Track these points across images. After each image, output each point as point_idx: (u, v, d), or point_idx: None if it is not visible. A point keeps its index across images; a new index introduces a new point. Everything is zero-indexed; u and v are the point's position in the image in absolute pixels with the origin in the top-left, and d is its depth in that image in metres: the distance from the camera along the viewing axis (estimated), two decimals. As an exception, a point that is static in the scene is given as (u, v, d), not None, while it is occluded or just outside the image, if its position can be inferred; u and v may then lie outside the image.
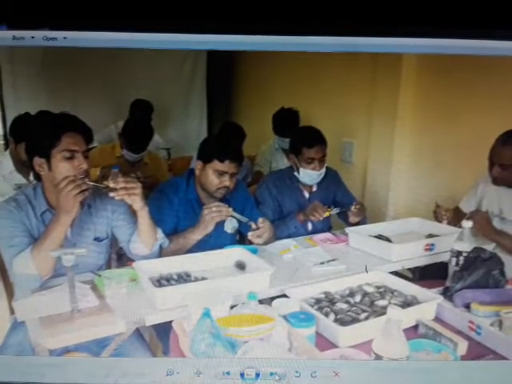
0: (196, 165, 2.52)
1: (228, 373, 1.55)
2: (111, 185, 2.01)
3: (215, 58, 5.12)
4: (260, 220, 2.42)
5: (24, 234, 2.02)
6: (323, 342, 1.73)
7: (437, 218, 2.70)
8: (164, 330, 1.84)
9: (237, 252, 2.31)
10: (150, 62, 4.40)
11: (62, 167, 1.98)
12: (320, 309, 1.87)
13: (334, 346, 1.70)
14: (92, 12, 1.72)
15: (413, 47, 1.82)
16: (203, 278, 2.07)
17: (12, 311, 2.08)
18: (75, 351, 1.77)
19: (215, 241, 2.46)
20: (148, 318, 1.84)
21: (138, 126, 3.62)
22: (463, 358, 1.64)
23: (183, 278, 2.07)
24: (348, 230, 2.68)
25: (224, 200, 2.51)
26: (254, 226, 2.40)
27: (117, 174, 2.11)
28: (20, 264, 1.95)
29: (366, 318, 1.82)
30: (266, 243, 2.50)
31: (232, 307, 1.78)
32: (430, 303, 1.88)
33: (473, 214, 2.46)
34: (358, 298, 1.97)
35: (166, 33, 1.75)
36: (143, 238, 2.18)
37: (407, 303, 1.92)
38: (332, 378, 1.56)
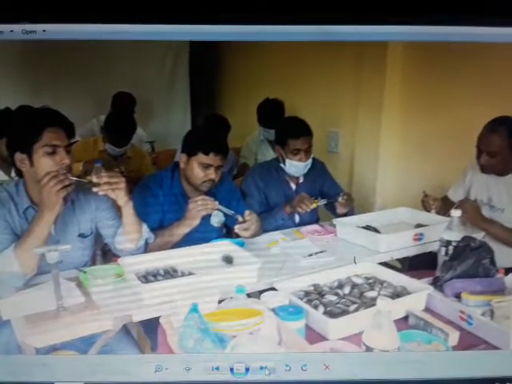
0: (180, 158, 2.50)
1: (217, 368, 1.55)
2: (94, 180, 1.99)
3: (198, 49, 5.08)
4: (246, 213, 2.40)
5: (7, 231, 1.99)
6: (313, 335, 1.72)
7: (425, 207, 2.70)
8: (152, 326, 1.82)
9: (224, 246, 2.29)
10: (131, 54, 4.35)
11: (44, 163, 1.95)
12: (309, 301, 1.86)
13: (323, 338, 1.69)
14: (71, 4, 1.69)
15: (398, 35, 1.80)
16: (190, 273, 2.05)
17: (-4, 310, 2.05)
18: (62, 349, 1.75)
19: (201, 235, 2.42)
20: (135, 314, 1.82)
21: (121, 120, 3.59)
22: (455, 348, 1.64)
23: (170, 273, 2.05)
24: (336, 221, 2.67)
25: (209, 193, 2.48)
26: (240, 218, 2.39)
27: (100, 168, 2.08)
28: (3, 262, 1.93)
29: (356, 310, 1.82)
30: (253, 236, 2.48)
31: (220, 301, 1.77)
32: (419, 294, 1.88)
33: (461, 203, 2.46)
34: (347, 290, 1.97)
35: (146, 24, 1.73)
36: (128, 233, 2.15)
37: (397, 294, 1.91)
38: (323, 371, 1.56)
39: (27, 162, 1.97)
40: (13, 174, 2.17)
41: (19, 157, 1.97)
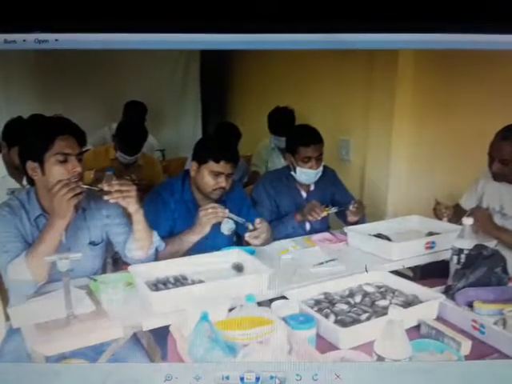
0: (191, 166, 2.50)
1: (227, 377, 1.53)
2: (106, 188, 1.99)
3: (209, 58, 5.10)
4: (257, 221, 2.40)
5: (18, 239, 2.00)
6: (324, 344, 1.70)
7: (437, 215, 2.68)
8: (162, 335, 1.81)
9: (234, 254, 2.29)
10: (142, 63, 4.38)
11: (56, 171, 1.95)
12: (320, 310, 1.84)
13: (334, 347, 1.68)
14: (83, 14, 1.70)
15: (409, 43, 1.80)
16: (200, 281, 2.04)
17: (7, 318, 2.05)
18: (72, 358, 1.74)
19: (212, 243, 2.43)
20: (145, 322, 1.81)
21: (132, 128, 3.60)
22: (467, 357, 1.62)
23: (180, 281, 2.05)
24: (347, 229, 2.65)
25: (220, 201, 2.48)
26: (251, 226, 2.38)
27: (111, 176, 2.09)
28: (15, 270, 1.93)
29: (367, 319, 1.80)
30: (263, 244, 2.48)
31: (230, 310, 1.76)
32: (431, 302, 1.85)
33: (473, 211, 2.45)
34: (358, 299, 1.95)
35: (157, 33, 1.73)
36: (139, 241, 2.15)
37: (408, 303, 1.89)
38: (334, 380, 1.54)
39: (39, 170, 1.97)
40: (24, 182, 2.18)
41: (31, 165, 1.98)
